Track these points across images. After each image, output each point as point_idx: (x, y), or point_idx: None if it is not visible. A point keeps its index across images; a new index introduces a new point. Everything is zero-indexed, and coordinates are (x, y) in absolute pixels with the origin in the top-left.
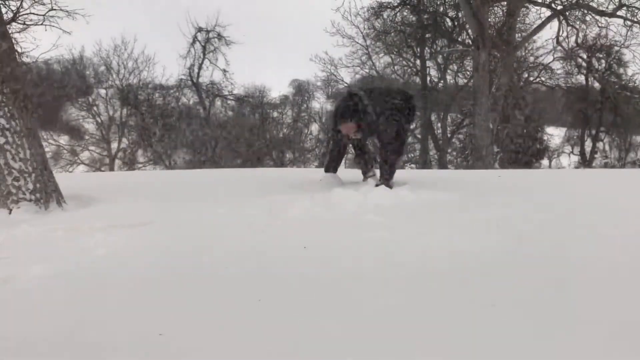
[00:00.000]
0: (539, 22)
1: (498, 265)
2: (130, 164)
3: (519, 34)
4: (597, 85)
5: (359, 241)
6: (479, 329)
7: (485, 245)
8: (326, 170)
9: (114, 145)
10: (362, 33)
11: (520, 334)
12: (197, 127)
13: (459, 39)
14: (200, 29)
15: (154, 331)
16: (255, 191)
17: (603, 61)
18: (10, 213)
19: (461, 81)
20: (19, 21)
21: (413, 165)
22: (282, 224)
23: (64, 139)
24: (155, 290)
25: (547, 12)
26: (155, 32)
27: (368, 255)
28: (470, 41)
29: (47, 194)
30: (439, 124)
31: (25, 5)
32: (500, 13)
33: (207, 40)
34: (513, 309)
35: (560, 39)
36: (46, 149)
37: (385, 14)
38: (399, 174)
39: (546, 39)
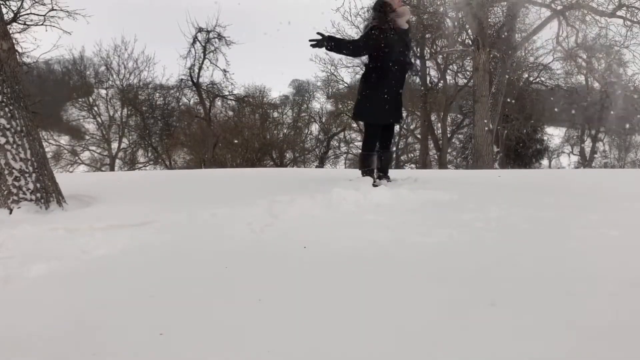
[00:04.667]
0: (538, 22)
1: (498, 265)
2: (131, 164)
3: (519, 34)
4: (597, 85)
5: (359, 241)
6: (479, 329)
7: (485, 245)
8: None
9: (114, 145)
10: (362, 33)
11: (521, 334)
12: (197, 127)
13: (459, 39)
14: (200, 29)
15: (154, 331)
16: (255, 191)
17: (603, 61)
18: (10, 213)
19: (461, 81)
20: (20, 21)
21: (413, 165)
22: (282, 224)
23: (64, 139)
24: (155, 290)
25: (547, 12)
26: (156, 32)
27: (368, 254)
28: (470, 41)
29: (48, 194)
30: (439, 124)
31: (25, 5)
32: (500, 13)
33: (208, 41)
34: (513, 309)
35: (560, 39)
36: (47, 149)
37: None
38: (401, 173)
39: (546, 39)
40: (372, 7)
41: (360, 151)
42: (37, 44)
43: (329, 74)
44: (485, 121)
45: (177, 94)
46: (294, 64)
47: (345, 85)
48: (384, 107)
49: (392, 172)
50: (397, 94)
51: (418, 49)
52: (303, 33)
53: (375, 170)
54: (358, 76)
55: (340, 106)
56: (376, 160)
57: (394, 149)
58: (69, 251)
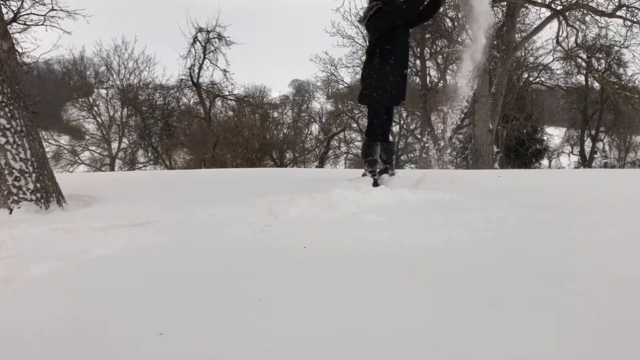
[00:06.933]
0: (538, 22)
1: (498, 264)
2: (131, 164)
3: (519, 34)
4: (597, 85)
5: (359, 241)
6: (478, 329)
7: (485, 245)
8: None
9: (115, 145)
10: (362, 33)
11: (520, 334)
12: (197, 127)
13: (459, 39)
14: (200, 29)
15: (154, 331)
16: (255, 191)
17: (603, 61)
18: (10, 213)
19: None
20: (20, 21)
21: (413, 165)
22: (282, 224)
23: (64, 139)
24: (155, 290)
25: (547, 12)
26: (156, 32)
27: (368, 255)
28: (470, 41)
29: (48, 194)
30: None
31: (25, 5)
32: (500, 13)
33: (208, 41)
34: (513, 309)
35: (560, 39)
36: (47, 149)
37: None
38: (406, 173)
39: (546, 39)
40: None
41: (364, 140)
42: (37, 44)
43: (329, 74)
44: (485, 121)
45: (177, 94)
46: (294, 64)
47: (346, 85)
48: (388, 88)
49: (399, 172)
50: (403, 75)
51: (418, 49)
52: (303, 33)
53: (379, 162)
54: (358, 76)
55: (340, 106)
56: (380, 151)
57: (394, 148)
58: (69, 251)
